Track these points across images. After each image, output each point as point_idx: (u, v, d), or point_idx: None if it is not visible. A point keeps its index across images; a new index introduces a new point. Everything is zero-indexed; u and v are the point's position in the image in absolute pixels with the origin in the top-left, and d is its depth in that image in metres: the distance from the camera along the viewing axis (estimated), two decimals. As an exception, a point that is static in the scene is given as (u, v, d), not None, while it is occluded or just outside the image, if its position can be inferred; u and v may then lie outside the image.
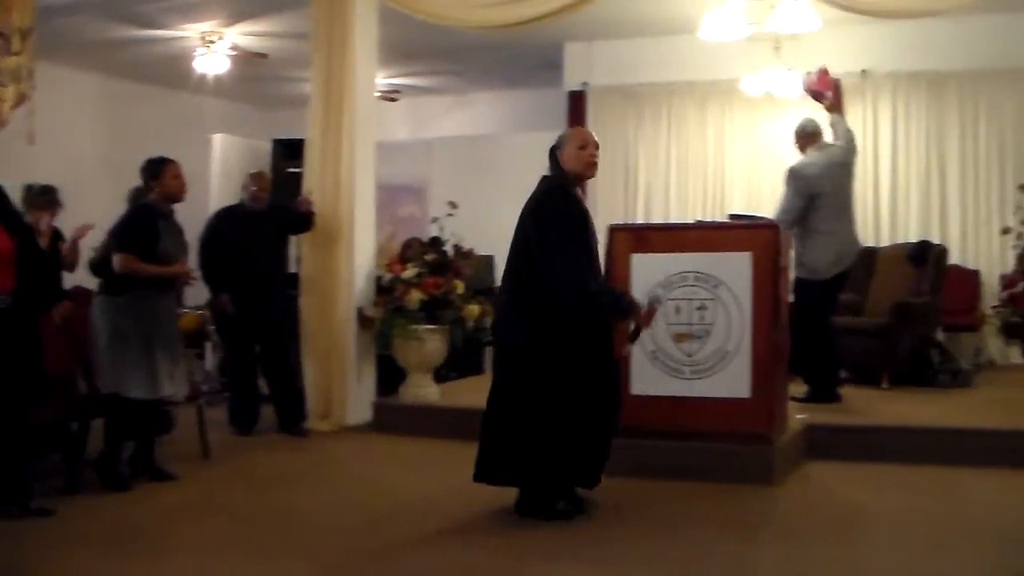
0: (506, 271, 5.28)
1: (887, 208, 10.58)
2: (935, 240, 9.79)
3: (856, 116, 10.61)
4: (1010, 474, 6.03)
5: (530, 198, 5.14)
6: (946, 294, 9.16)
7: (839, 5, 7.16)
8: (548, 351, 4.93)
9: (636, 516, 5.24)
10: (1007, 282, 6.62)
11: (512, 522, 5.14)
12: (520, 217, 5.13)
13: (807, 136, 7.62)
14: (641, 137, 11.33)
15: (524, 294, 5.07)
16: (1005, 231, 6.78)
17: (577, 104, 11.44)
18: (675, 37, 10.34)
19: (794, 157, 10.61)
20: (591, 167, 5.13)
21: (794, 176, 7.38)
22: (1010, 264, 6.89)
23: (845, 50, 10.42)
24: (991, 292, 8.70)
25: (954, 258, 9.98)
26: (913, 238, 9.99)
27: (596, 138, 5.24)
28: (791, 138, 7.82)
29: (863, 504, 5.46)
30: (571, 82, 11.48)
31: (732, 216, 7.22)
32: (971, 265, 10.38)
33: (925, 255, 9.03)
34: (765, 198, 10.61)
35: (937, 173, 10.53)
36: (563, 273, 4.89)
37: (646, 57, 11.06)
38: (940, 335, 9.34)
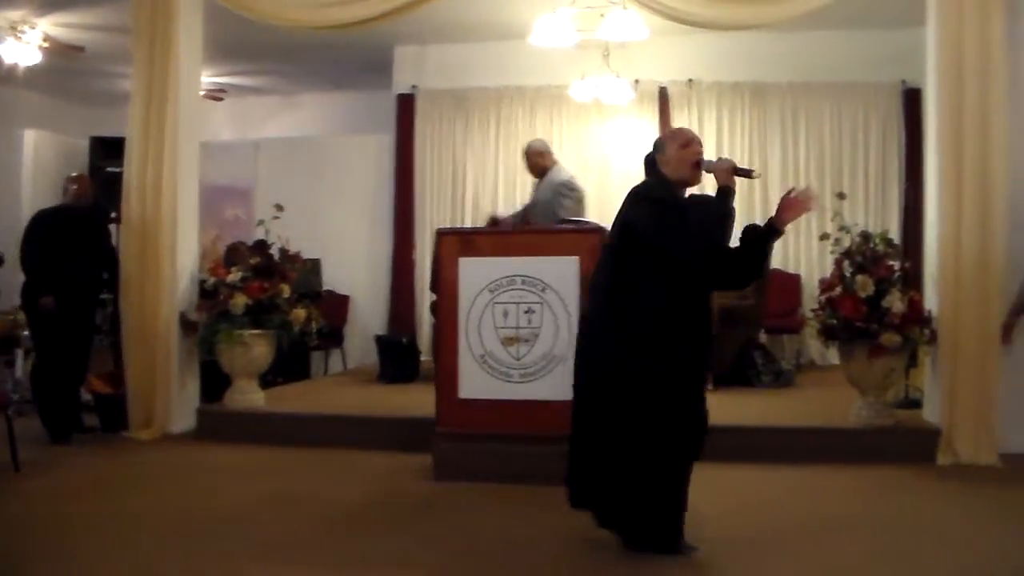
0: (595, 285, 4.71)
1: (711, 214, 10.84)
2: (759, 245, 10.07)
3: (682, 124, 10.88)
4: (830, 470, 6.25)
5: (626, 199, 4.66)
6: (769, 298, 9.45)
7: (666, 15, 7.28)
8: (643, 366, 4.43)
9: (468, 520, 5.22)
10: (826, 286, 6.83)
11: (341, 529, 5.06)
12: (613, 225, 4.66)
13: (547, 155, 8.09)
14: (470, 141, 11.33)
15: (619, 306, 4.50)
16: (823, 237, 7.01)
17: (406, 107, 11.38)
18: (506, 42, 10.40)
19: (621, 164, 10.89)
20: (698, 168, 4.59)
21: (571, 188, 7.79)
22: (829, 269, 7.12)
23: (672, 60, 10.70)
24: (811, 296, 9.01)
25: (776, 263, 10.32)
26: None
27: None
28: (532, 152, 8.21)
29: (692, 503, 5.53)
30: (400, 85, 11.42)
31: (558, 220, 7.27)
32: (792, 270, 10.76)
33: (749, 260, 9.26)
34: (592, 203, 10.74)
35: (759, 180, 10.86)
36: (684, 242, 4.38)
37: (476, 61, 11.09)
38: (763, 337, 9.64)
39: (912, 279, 6.92)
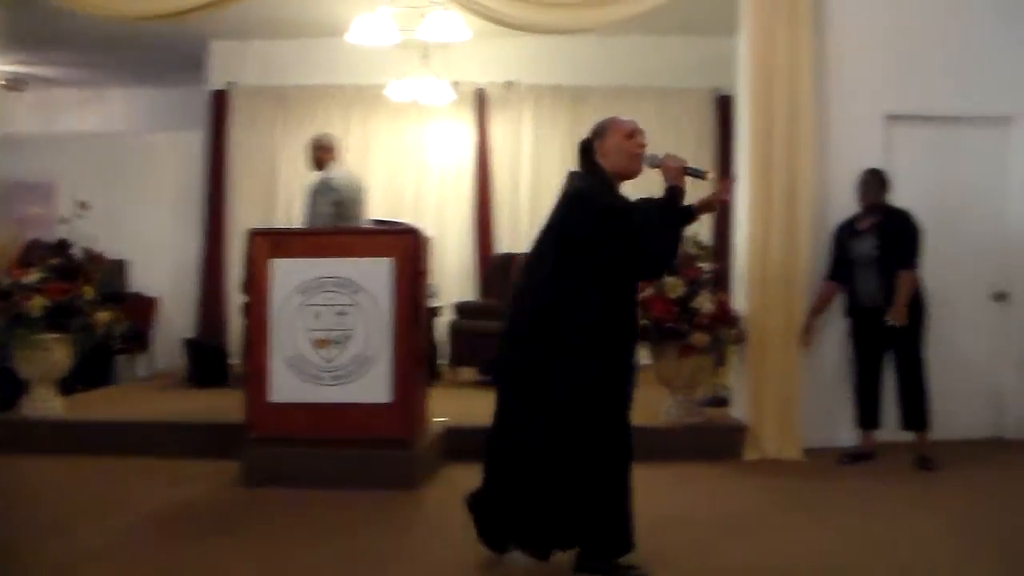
0: (524, 292, 4.36)
1: (527, 216, 10.89)
2: (571, 247, 10.19)
3: (500, 126, 10.92)
4: (641, 468, 6.19)
5: (562, 197, 4.28)
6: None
7: (486, 17, 7.26)
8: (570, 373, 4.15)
9: (279, 527, 5.09)
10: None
11: (149, 539, 4.89)
12: (549, 222, 4.31)
13: (328, 149, 7.93)
14: (287, 140, 11.05)
15: (556, 314, 4.15)
16: (635, 239, 7.13)
17: (221, 104, 11.05)
18: (326, 40, 10.19)
19: (439, 165, 10.87)
20: (638, 160, 4.29)
21: (329, 188, 7.65)
22: (640, 270, 7.24)
23: (492, 62, 10.70)
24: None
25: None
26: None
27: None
28: (312, 151, 8.00)
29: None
30: (215, 81, 11.06)
31: (373, 222, 7.19)
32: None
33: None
34: (407, 205, 10.71)
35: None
36: (630, 250, 4.09)
37: (295, 58, 10.84)
38: (576, 338, 9.72)
39: (721, 280, 7.11)
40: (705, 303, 6.72)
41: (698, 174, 4.27)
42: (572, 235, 4.14)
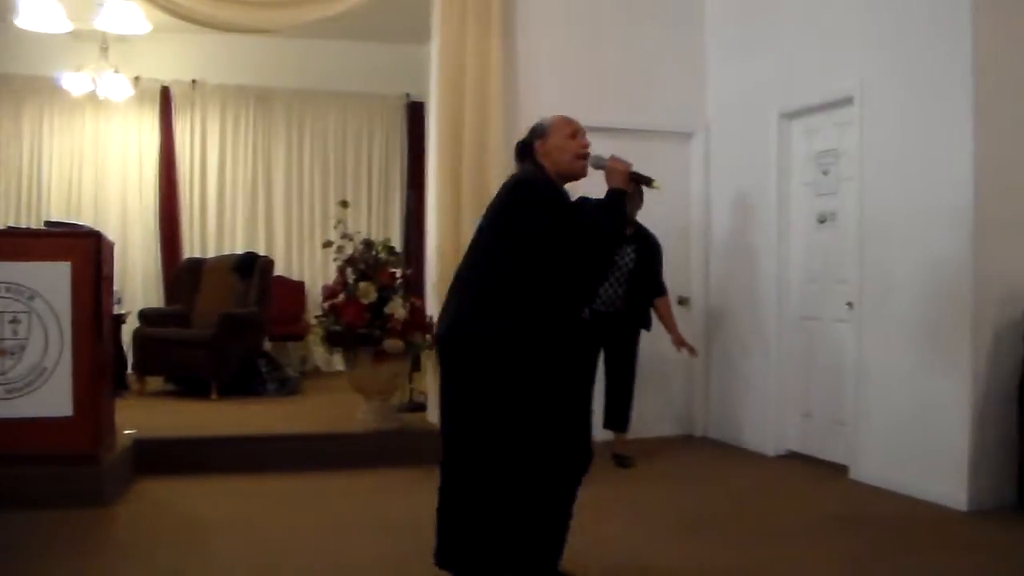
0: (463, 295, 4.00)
1: (214, 219, 10.66)
2: (261, 252, 10.04)
3: (185, 126, 10.59)
4: (337, 475, 6.29)
5: (503, 187, 3.95)
6: (272, 305, 9.40)
7: (166, 11, 7.01)
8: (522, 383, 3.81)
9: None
10: (329, 292, 6.88)
11: None
12: (488, 216, 3.98)
13: None
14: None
15: (507, 318, 3.81)
16: (327, 244, 7.04)
17: None
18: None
19: (118, 162, 10.41)
20: (583, 161, 3.97)
21: None
22: (332, 275, 7.19)
23: (176, 58, 10.39)
24: (316, 302, 9.06)
25: (280, 269, 10.31)
26: (240, 249, 10.15)
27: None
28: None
29: (200, 515, 5.37)
30: None
31: (49, 223, 6.77)
32: (296, 276, 10.81)
33: (251, 266, 9.18)
34: (87, 204, 10.22)
35: (264, 186, 10.83)
36: (580, 248, 3.79)
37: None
38: (267, 345, 9.56)
39: (414, 286, 7.15)
40: (398, 308, 6.73)
41: (646, 181, 3.99)
42: (512, 221, 3.86)
